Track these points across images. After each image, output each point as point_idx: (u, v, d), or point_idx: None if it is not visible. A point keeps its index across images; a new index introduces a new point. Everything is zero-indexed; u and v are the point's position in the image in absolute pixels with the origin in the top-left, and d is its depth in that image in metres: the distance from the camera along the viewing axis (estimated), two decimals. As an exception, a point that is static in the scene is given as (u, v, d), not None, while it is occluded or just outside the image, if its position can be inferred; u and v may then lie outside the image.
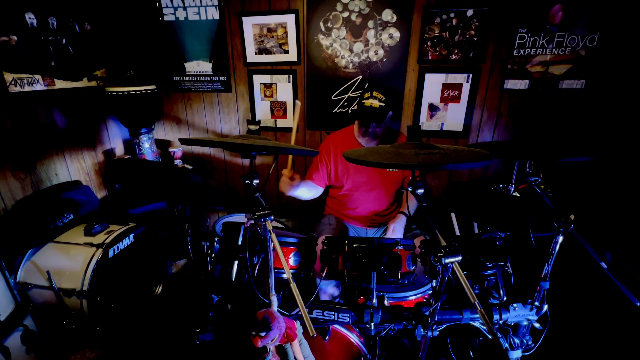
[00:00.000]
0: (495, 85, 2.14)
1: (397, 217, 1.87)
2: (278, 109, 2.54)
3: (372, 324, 1.23)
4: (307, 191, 1.95)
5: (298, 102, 1.83)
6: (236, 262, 1.30)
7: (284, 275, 0.98)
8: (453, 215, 1.54)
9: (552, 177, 1.45)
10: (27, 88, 1.91)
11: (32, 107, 1.96)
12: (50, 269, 1.64)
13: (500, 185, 1.39)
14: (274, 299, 1.04)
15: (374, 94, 1.77)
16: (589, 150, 1.26)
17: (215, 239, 1.37)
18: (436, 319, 1.11)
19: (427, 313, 1.16)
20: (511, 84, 2.11)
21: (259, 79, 2.48)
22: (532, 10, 1.95)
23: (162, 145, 2.80)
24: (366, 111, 1.76)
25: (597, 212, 1.90)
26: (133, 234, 1.93)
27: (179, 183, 1.56)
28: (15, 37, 1.82)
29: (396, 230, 1.81)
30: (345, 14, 2.19)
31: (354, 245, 1.34)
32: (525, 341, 1.32)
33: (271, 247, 1.08)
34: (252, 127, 2.59)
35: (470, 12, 2.02)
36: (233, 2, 2.32)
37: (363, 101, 1.77)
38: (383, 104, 1.75)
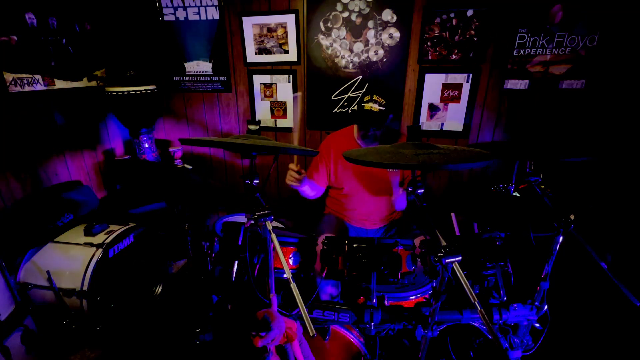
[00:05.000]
0: (495, 85, 2.14)
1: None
2: (278, 109, 2.53)
3: (372, 324, 1.23)
4: (309, 189, 1.95)
5: (297, 94, 1.70)
6: (236, 262, 1.30)
7: (284, 275, 0.98)
8: (453, 215, 1.54)
9: (552, 177, 1.45)
10: (27, 88, 1.91)
11: (32, 107, 1.96)
12: (50, 269, 1.64)
13: (500, 185, 1.39)
14: (274, 299, 1.04)
15: (374, 97, 1.76)
16: (589, 151, 1.26)
17: (215, 239, 1.37)
18: (436, 319, 1.11)
19: (427, 313, 1.16)
20: (511, 84, 2.11)
21: (259, 79, 2.48)
22: (532, 10, 1.95)
23: (162, 145, 2.80)
24: (366, 115, 1.75)
25: (597, 212, 1.90)
26: (133, 234, 1.93)
27: (179, 183, 1.56)
28: (15, 37, 1.82)
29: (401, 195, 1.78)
30: (345, 14, 2.19)
31: (354, 245, 1.34)
32: (525, 341, 1.32)
33: (271, 247, 1.08)
34: (252, 127, 2.58)
35: (470, 12, 2.02)
36: (233, 2, 2.32)
37: (363, 104, 1.77)
38: (383, 108, 1.74)
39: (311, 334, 0.87)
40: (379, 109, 1.73)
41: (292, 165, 1.72)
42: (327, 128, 2.46)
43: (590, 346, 1.78)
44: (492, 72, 2.12)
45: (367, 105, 1.74)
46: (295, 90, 2.44)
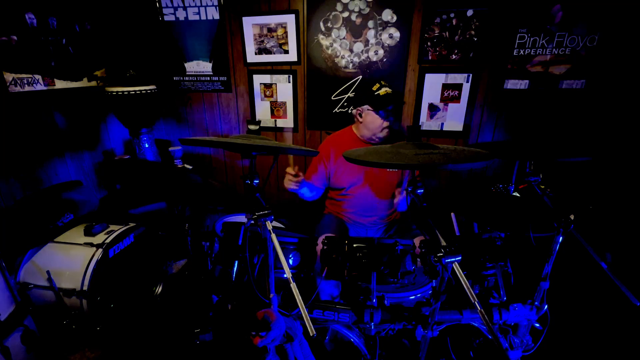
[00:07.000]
0: (495, 85, 2.14)
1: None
2: (278, 109, 2.53)
3: (372, 324, 1.23)
4: (308, 191, 1.96)
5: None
6: (236, 262, 1.30)
7: (284, 275, 0.98)
8: (453, 215, 1.54)
9: (552, 177, 1.45)
10: (27, 88, 1.91)
11: (32, 107, 1.96)
12: (50, 269, 1.64)
13: (500, 185, 1.39)
14: (274, 299, 1.04)
15: (383, 83, 1.85)
16: (589, 151, 1.26)
17: (215, 239, 1.37)
18: (436, 319, 1.11)
19: (427, 313, 1.16)
20: (511, 84, 2.11)
21: (259, 79, 2.48)
22: (532, 10, 1.94)
23: (162, 145, 2.80)
24: (384, 98, 1.81)
25: (597, 212, 1.90)
26: (133, 234, 1.93)
27: (179, 183, 1.56)
28: (15, 37, 1.82)
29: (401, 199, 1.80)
30: (345, 14, 2.18)
31: (354, 245, 1.34)
32: (525, 341, 1.32)
33: (271, 247, 1.08)
34: (252, 127, 2.58)
35: (470, 12, 2.02)
36: (233, 2, 2.31)
37: (377, 92, 1.82)
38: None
39: (311, 334, 0.87)
40: (392, 91, 1.83)
41: (290, 169, 1.73)
42: (327, 128, 2.46)
43: (590, 346, 1.78)
44: (492, 72, 2.12)
45: (382, 91, 1.82)
46: (295, 90, 2.44)
